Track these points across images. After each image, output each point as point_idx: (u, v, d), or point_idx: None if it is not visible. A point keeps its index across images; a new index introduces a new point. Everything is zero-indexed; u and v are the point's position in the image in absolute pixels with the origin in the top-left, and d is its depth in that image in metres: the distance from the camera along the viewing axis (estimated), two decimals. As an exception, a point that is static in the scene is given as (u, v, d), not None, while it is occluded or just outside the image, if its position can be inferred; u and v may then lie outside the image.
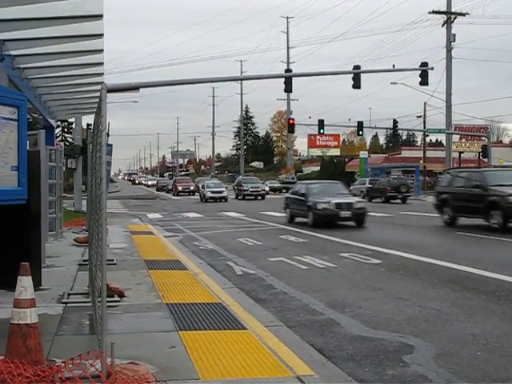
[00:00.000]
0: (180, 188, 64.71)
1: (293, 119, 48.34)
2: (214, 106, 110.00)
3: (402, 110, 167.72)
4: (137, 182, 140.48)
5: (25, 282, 5.11)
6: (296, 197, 25.40)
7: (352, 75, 27.97)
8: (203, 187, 51.77)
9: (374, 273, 12.01)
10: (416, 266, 12.68)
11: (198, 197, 53.74)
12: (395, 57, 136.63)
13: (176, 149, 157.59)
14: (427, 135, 73.02)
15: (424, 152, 68.12)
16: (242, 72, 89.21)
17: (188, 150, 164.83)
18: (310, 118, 52.43)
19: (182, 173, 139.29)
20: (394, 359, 6.37)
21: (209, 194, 49.59)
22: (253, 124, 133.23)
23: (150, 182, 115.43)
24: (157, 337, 6.83)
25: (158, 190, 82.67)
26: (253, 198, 52.40)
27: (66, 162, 27.43)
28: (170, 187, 73.90)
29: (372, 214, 26.38)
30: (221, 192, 50.31)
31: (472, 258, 13.51)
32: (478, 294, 9.69)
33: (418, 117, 67.99)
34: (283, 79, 27.84)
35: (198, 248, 16.77)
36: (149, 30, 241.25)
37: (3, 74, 12.73)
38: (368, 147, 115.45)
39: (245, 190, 53.49)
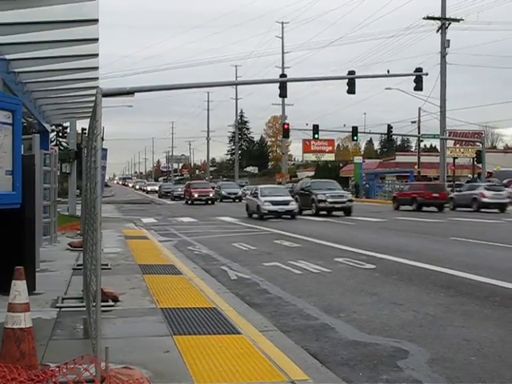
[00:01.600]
0: (196, 195, 52.96)
1: (287, 124, 48.50)
2: (208, 110, 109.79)
3: (396, 115, 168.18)
4: (137, 187, 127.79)
5: (19, 287, 5.10)
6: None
7: (347, 80, 28.06)
8: (255, 195, 33.41)
9: (368, 278, 12.02)
10: (410, 271, 12.69)
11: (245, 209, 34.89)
12: (390, 62, 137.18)
13: (171, 153, 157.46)
14: (421, 140, 73.36)
15: (418, 157, 68.37)
16: (236, 77, 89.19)
17: (183, 155, 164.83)
18: (307, 124, 52.29)
19: (177, 177, 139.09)
20: (389, 364, 6.37)
21: (268, 207, 31.41)
22: (248, 129, 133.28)
23: (149, 188, 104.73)
24: (151, 341, 6.82)
25: (160, 197, 74.83)
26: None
27: (61, 167, 27.44)
28: (176, 193, 66.07)
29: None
30: (287, 203, 31.74)
31: (467, 263, 13.54)
32: (472, 299, 9.71)
33: (412, 122, 68.28)
34: (278, 84, 27.94)
35: (193, 253, 16.75)
36: (144, 34, 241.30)
37: (-2, 78, 12.71)
38: (362, 152, 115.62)
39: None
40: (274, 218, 30.59)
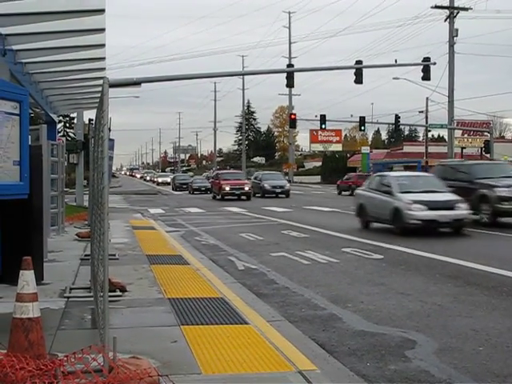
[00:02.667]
0: (227, 188, 42.50)
1: (294, 114, 48.30)
2: (215, 101, 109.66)
3: (404, 105, 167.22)
4: (147, 178, 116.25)
5: (27, 277, 5.11)
6: None
7: (354, 70, 27.94)
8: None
9: (375, 268, 12.00)
10: (417, 261, 12.67)
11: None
12: (398, 52, 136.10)
13: (178, 144, 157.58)
14: (429, 130, 73.16)
15: (426, 147, 68.11)
16: (243, 67, 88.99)
17: (190, 146, 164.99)
18: (316, 116, 51.48)
19: (184, 168, 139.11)
20: (396, 354, 6.37)
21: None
22: (255, 119, 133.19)
23: (160, 179, 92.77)
24: (159, 331, 6.83)
25: (175, 189, 64.69)
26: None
27: (68, 157, 27.47)
28: (197, 185, 55.72)
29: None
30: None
31: (474, 254, 13.51)
32: (480, 289, 9.69)
33: (420, 112, 68.04)
34: (285, 74, 27.84)
35: (200, 243, 16.77)
36: (150, 24, 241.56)
37: (5, 68, 12.71)
38: (370, 142, 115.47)
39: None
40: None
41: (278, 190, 44.83)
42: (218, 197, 43.64)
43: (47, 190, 12.88)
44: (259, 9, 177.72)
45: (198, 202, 40.85)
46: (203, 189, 54.25)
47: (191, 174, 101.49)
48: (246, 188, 43.01)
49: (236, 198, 41.92)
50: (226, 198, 42.00)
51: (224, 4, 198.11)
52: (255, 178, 48.62)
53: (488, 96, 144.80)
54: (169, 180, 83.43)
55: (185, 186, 62.14)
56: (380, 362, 6.12)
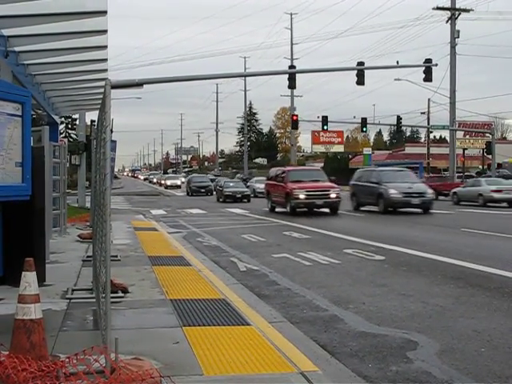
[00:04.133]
0: (302, 196, 27.73)
1: (296, 115, 48.30)
2: (217, 102, 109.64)
3: (406, 106, 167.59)
4: (154, 180, 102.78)
5: (29, 278, 5.11)
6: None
7: (356, 71, 27.95)
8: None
9: (377, 269, 12.00)
10: (419, 262, 12.66)
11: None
12: (399, 53, 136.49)
13: (180, 145, 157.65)
14: (431, 131, 72.93)
15: (428, 148, 67.99)
16: (245, 68, 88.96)
17: (192, 147, 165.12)
18: (318, 117, 50.97)
19: (186, 169, 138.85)
20: (398, 355, 6.36)
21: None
22: (256, 120, 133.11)
23: (169, 182, 78.14)
24: (161, 332, 6.83)
25: (190, 194, 53.90)
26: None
27: (70, 159, 27.55)
28: (230, 191, 43.28)
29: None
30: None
31: (476, 255, 13.50)
32: (482, 290, 9.68)
33: (421, 113, 67.94)
34: (287, 75, 27.85)
35: (202, 244, 16.78)
36: (154, 25, 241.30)
37: (7, 70, 12.75)
38: (372, 143, 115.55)
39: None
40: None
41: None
42: (288, 207, 28.21)
43: (49, 191, 12.89)
44: (262, 10, 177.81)
45: (200, 203, 40.87)
46: (239, 195, 42.83)
47: (215, 173, 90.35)
48: (332, 195, 27.65)
49: (316, 209, 28.31)
50: (300, 209, 27.87)
51: (227, 5, 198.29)
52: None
53: (490, 97, 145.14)
54: (179, 182, 75.14)
55: (203, 191, 53.08)
56: (382, 363, 6.12)
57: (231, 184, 46.30)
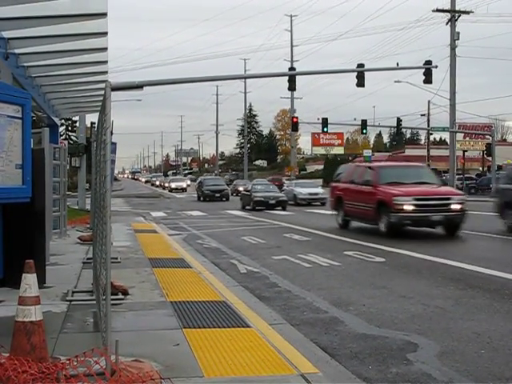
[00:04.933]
0: (410, 207, 17.58)
1: (296, 117, 48.24)
2: (217, 104, 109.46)
3: (406, 108, 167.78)
4: (157, 182, 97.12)
5: (29, 280, 5.12)
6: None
7: (356, 73, 27.96)
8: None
9: (377, 271, 12.00)
10: (419, 264, 12.67)
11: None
12: (399, 55, 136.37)
13: (180, 147, 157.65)
14: (431, 133, 72.90)
15: (428, 150, 68.06)
16: (245, 70, 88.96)
17: (192, 149, 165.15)
18: (318, 119, 50.66)
19: (186, 171, 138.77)
20: (398, 357, 6.36)
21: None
22: (256, 122, 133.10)
23: (173, 185, 71.45)
24: (161, 334, 6.83)
25: (203, 199, 46.78)
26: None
27: (70, 161, 27.55)
28: (260, 197, 34.77)
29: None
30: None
31: (475, 257, 13.50)
32: (482, 292, 9.68)
33: (421, 115, 68.04)
34: (287, 77, 27.86)
35: (202, 246, 16.78)
36: (153, 27, 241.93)
37: (7, 72, 12.76)
38: (372, 145, 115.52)
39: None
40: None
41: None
42: (364, 224, 20.45)
43: (49, 193, 12.89)
44: (262, 12, 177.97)
45: (201, 205, 40.87)
46: (272, 201, 34.66)
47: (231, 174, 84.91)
48: (456, 205, 18.14)
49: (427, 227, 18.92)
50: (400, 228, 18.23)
51: (228, 7, 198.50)
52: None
53: (490, 99, 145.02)
54: (184, 185, 69.53)
55: (218, 195, 45.56)
56: (382, 365, 6.12)
57: (259, 187, 37.32)
